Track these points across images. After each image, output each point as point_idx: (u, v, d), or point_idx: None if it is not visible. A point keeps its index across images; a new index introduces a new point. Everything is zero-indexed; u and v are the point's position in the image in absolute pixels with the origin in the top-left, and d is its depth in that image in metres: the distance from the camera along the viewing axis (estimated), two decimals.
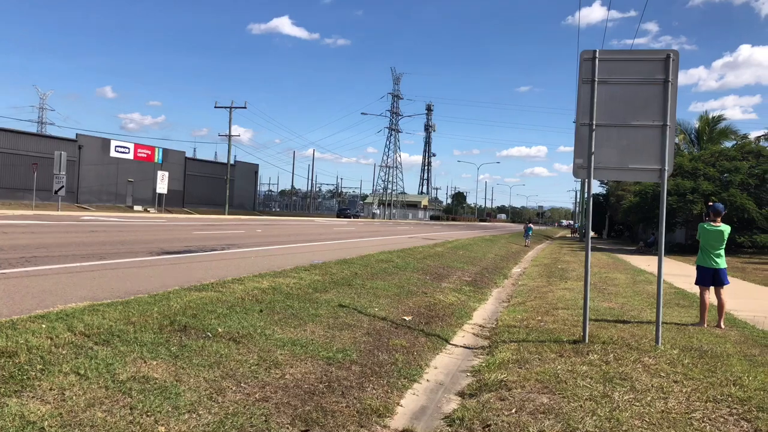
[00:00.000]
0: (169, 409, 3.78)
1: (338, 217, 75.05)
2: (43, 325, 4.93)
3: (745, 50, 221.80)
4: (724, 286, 8.05)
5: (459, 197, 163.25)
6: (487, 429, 4.12)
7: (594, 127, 6.47)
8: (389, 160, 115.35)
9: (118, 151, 50.31)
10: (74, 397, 3.71)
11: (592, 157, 6.48)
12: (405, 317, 7.97)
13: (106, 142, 49.48)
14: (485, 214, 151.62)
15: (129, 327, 5.26)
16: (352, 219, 69.41)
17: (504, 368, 5.66)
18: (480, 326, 8.62)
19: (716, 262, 7.98)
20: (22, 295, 6.73)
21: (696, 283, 8.21)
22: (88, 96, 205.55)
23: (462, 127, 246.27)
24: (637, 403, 4.47)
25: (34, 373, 3.92)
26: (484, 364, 6.03)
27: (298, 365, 5.12)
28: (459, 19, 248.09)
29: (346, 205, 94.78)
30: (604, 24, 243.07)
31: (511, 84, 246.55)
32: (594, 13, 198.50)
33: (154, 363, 4.50)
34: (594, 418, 4.15)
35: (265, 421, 3.93)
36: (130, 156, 51.47)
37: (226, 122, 59.78)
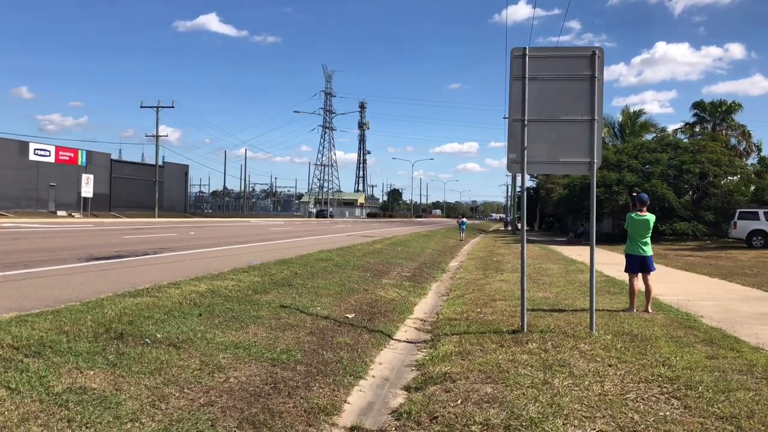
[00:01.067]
0: (110, 419, 3.65)
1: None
2: None
3: (660, 47, 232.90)
4: (651, 273, 8.47)
5: (395, 194, 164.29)
6: (434, 421, 4.18)
7: (526, 122, 6.66)
8: (324, 158, 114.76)
9: (37, 154, 47.94)
10: (6, 413, 3.53)
11: (525, 151, 6.66)
12: (347, 315, 7.98)
13: (24, 145, 47.05)
14: (421, 210, 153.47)
15: (62, 337, 5.04)
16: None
17: (447, 361, 5.75)
18: (422, 320, 8.73)
19: (644, 250, 8.38)
20: None
21: (625, 271, 8.59)
22: (1, 97, 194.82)
23: (396, 125, 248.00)
24: (576, 388, 4.64)
25: None
26: (427, 358, 6.11)
27: (242, 368, 5.04)
28: (390, 17, 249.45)
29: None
30: (530, 22, 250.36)
31: (442, 81, 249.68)
32: (520, 11, 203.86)
33: (92, 373, 4.33)
34: (536, 404, 4.29)
35: (212, 425, 3.85)
36: (51, 159, 49.15)
37: (153, 123, 57.96)
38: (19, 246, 15.15)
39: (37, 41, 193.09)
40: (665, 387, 4.68)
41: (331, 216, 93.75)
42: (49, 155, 49.14)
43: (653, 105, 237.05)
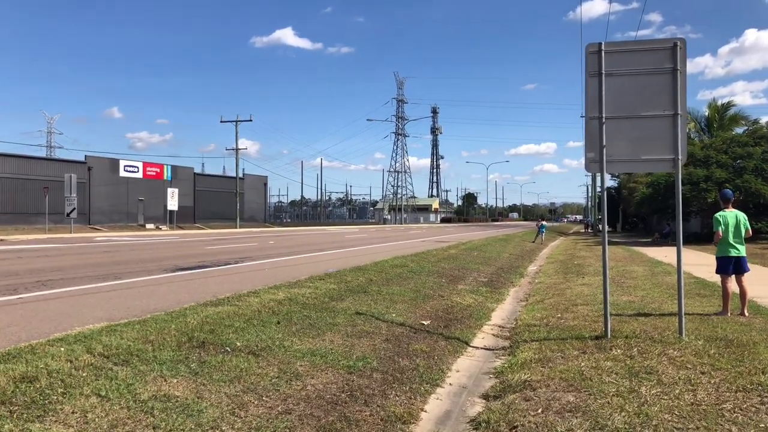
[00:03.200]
0: (192, 426, 3.74)
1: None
2: (62, 348, 4.92)
3: (750, 35, 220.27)
4: (745, 274, 7.93)
5: (470, 198, 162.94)
6: (513, 430, 4.05)
7: (603, 120, 6.40)
8: (397, 164, 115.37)
9: (127, 171, 50.64)
10: (97, 419, 3.68)
11: (604, 150, 6.40)
12: (423, 321, 7.92)
13: (114, 162, 49.84)
14: (497, 214, 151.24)
15: (147, 346, 5.25)
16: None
17: (527, 368, 5.58)
18: (499, 327, 8.54)
19: (737, 250, 7.86)
20: (40, 319, 6.74)
21: (717, 272, 8.09)
22: (95, 118, 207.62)
23: (469, 128, 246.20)
24: (666, 397, 4.38)
25: (55, 397, 3.90)
26: (506, 365, 5.95)
27: (319, 375, 5.07)
28: (460, 21, 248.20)
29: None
30: (606, 17, 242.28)
31: (517, 83, 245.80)
32: (596, 7, 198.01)
33: (175, 381, 4.47)
34: (622, 414, 4.08)
35: None
36: (140, 175, 51.79)
37: (232, 136, 60.46)
38: (111, 258, 16.01)
39: (124, 62, 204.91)
40: (766, 396, 4.34)
41: (405, 222, 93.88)
42: (138, 171, 51.81)
43: (744, 96, 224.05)
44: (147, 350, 5.11)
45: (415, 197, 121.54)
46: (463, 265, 15.89)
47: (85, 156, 47.81)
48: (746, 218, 7.97)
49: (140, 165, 52.27)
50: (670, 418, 3.98)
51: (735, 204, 8.22)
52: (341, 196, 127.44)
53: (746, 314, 7.66)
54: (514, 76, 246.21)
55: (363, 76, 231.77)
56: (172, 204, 50.01)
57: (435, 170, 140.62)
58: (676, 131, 6.26)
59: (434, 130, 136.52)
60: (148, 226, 49.37)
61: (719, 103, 40.86)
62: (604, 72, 6.42)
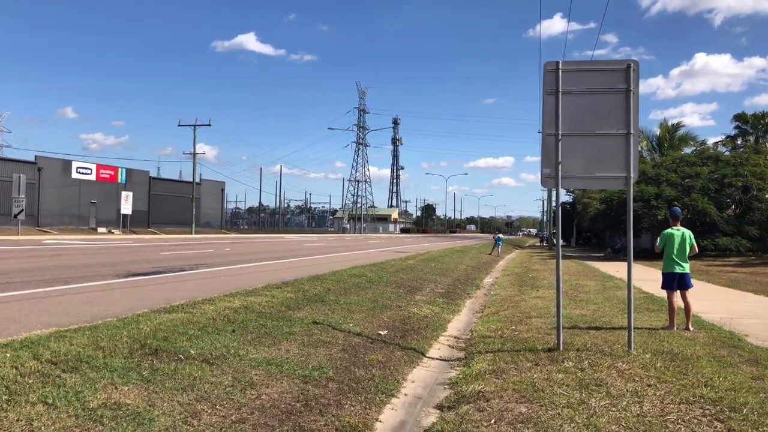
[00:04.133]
0: None
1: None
2: (8, 354, 4.76)
3: (700, 59, 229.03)
4: (689, 290, 8.22)
5: (429, 209, 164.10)
6: None
7: (560, 137, 6.56)
8: (358, 174, 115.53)
9: (79, 173, 49.33)
10: (43, 428, 3.58)
11: (560, 166, 6.57)
12: (380, 332, 7.94)
13: (67, 164, 48.50)
14: (455, 226, 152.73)
15: (98, 352, 5.12)
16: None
17: (481, 379, 5.66)
18: (455, 338, 8.63)
19: (681, 267, 8.14)
20: None
21: (662, 287, 8.36)
22: (47, 118, 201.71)
23: (429, 140, 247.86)
24: (614, 409, 4.51)
25: None
26: (461, 376, 6.02)
27: (274, 385, 5.04)
28: (423, 34, 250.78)
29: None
30: (564, 36, 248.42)
31: (477, 96, 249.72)
32: (555, 26, 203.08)
33: (126, 388, 4.38)
34: (572, 425, 4.18)
35: None
36: (93, 177, 50.51)
37: (190, 140, 59.46)
38: (61, 262, 15.55)
39: (81, 62, 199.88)
40: (708, 409, 4.51)
41: (365, 231, 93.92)
42: (91, 173, 50.52)
43: (693, 117, 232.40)
44: (97, 357, 4.99)
45: (375, 207, 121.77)
46: (420, 275, 15.99)
47: (36, 156, 46.42)
48: (692, 236, 8.27)
49: (93, 167, 50.99)
50: (617, 429, 4.10)
51: (683, 222, 8.53)
52: (300, 203, 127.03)
53: (691, 329, 7.93)
54: (475, 90, 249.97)
55: (325, 84, 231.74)
56: (126, 208, 48.92)
57: (395, 180, 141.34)
58: (628, 150, 6.47)
59: (395, 141, 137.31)
60: (101, 229, 48.12)
61: (670, 123, 42.45)
62: (561, 90, 6.59)
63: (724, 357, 6.25)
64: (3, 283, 10.15)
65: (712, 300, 11.54)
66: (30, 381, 4.26)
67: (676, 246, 8.12)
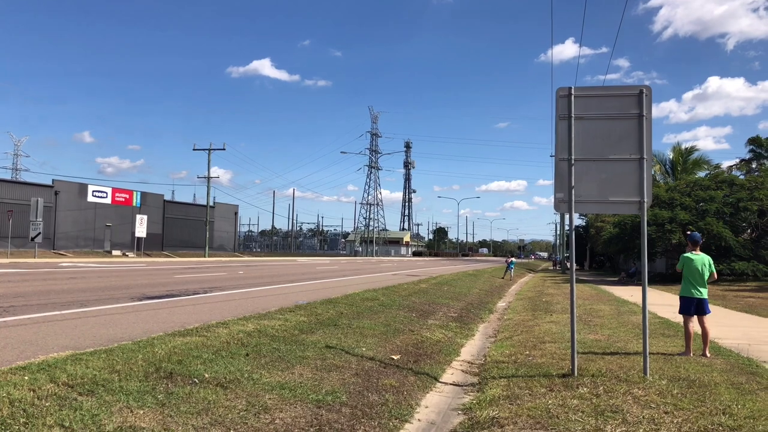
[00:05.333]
0: None
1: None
2: (25, 377, 4.82)
3: (713, 82, 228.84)
4: (707, 315, 8.13)
5: (440, 233, 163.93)
6: None
7: (573, 161, 6.60)
8: (370, 197, 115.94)
9: (95, 196, 49.90)
10: None
11: (573, 191, 6.59)
12: (393, 356, 7.92)
13: (83, 187, 49.09)
14: (467, 249, 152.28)
15: (113, 375, 5.16)
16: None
17: (495, 405, 5.62)
18: (468, 363, 8.58)
19: (699, 292, 8.06)
20: (2, 346, 6.58)
21: (679, 313, 8.28)
22: (65, 142, 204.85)
23: (442, 163, 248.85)
24: None
25: (17, 427, 3.82)
26: (474, 402, 5.98)
27: (288, 409, 5.04)
28: (436, 59, 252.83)
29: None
30: (576, 60, 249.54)
31: (490, 120, 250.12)
32: (567, 50, 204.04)
33: (141, 412, 4.41)
34: None
35: None
36: (108, 200, 51.06)
37: (205, 164, 60.31)
38: (77, 285, 15.68)
39: (98, 87, 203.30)
40: None
41: (376, 254, 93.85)
42: (106, 197, 51.08)
43: (707, 141, 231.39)
44: (113, 380, 5.02)
45: (386, 230, 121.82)
46: (433, 299, 15.94)
47: (53, 180, 47.02)
48: (712, 262, 8.20)
49: (109, 190, 51.57)
50: None
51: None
52: (312, 227, 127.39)
53: (708, 355, 7.83)
54: (487, 114, 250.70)
55: (338, 108, 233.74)
56: (141, 231, 49.30)
57: (407, 204, 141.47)
58: (642, 174, 6.48)
59: (407, 164, 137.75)
60: (115, 252, 48.49)
61: (683, 147, 42.37)
62: (573, 115, 6.64)
63: (742, 384, 6.17)
64: (20, 306, 10.25)
65: (729, 325, 11.40)
66: (47, 404, 4.29)
67: (695, 271, 8.05)
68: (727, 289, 22.65)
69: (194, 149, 57.47)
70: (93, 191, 49.84)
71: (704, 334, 8.05)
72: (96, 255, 44.47)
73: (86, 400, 4.48)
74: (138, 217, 50.04)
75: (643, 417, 4.93)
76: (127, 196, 53.43)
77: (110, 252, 48.54)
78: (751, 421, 4.80)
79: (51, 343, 6.84)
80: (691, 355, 7.86)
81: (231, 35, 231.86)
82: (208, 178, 56.84)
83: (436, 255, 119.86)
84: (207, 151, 56.21)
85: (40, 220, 36.99)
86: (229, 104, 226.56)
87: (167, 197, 61.87)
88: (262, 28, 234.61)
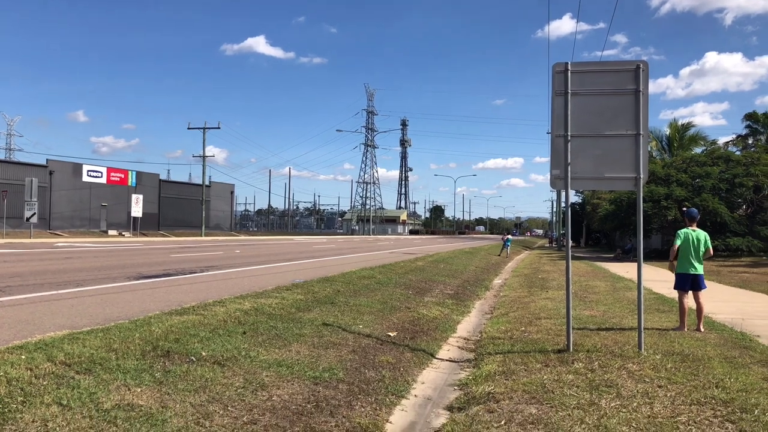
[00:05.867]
0: None
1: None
2: (22, 356, 4.82)
3: (711, 58, 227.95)
4: (702, 290, 8.18)
5: (437, 211, 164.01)
6: None
7: (569, 138, 6.56)
8: (366, 176, 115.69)
9: (90, 176, 49.68)
10: (57, 429, 3.63)
11: (569, 167, 6.56)
12: (390, 333, 7.96)
13: (77, 167, 48.86)
14: (464, 227, 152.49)
15: (111, 354, 5.18)
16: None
17: (491, 380, 5.67)
18: (465, 339, 8.64)
19: (695, 268, 8.09)
20: None
21: (675, 288, 8.31)
22: (58, 121, 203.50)
23: (438, 141, 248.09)
24: (624, 410, 4.51)
25: (15, 406, 3.83)
26: (470, 377, 6.03)
27: (285, 386, 5.07)
28: (432, 36, 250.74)
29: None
30: (573, 36, 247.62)
31: (486, 98, 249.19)
32: (564, 26, 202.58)
33: (139, 390, 4.43)
34: (582, 426, 4.18)
35: None
36: (103, 180, 50.85)
37: (200, 143, 59.88)
38: (73, 265, 15.68)
39: (92, 66, 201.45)
40: (719, 410, 4.50)
41: (373, 233, 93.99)
42: (101, 176, 50.85)
43: (704, 117, 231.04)
44: (110, 359, 5.04)
45: (383, 209, 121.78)
46: (429, 277, 16.00)
47: (47, 159, 46.78)
48: (708, 238, 8.22)
49: (104, 170, 51.33)
50: (627, 430, 4.10)
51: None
52: (309, 206, 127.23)
53: (702, 330, 7.89)
54: (484, 91, 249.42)
55: (334, 86, 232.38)
56: (136, 210, 49.24)
57: (403, 182, 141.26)
58: (638, 151, 6.46)
59: (403, 143, 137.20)
60: (111, 232, 48.43)
61: (680, 123, 42.19)
62: (570, 91, 6.59)
63: (735, 358, 6.23)
64: (17, 286, 10.25)
65: (723, 301, 11.48)
66: (44, 383, 4.31)
67: (692, 246, 8.08)
68: (722, 265, 22.78)
69: (189, 128, 57.22)
70: (88, 171, 49.60)
71: (699, 309, 8.10)
72: (92, 235, 44.42)
73: (84, 379, 4.50)
74: (134, 196, 49.94)
75: (638, 391, 4.98)
76: (123, 176, 53.21)
77: (106, 232, 48.48)
78: (744, 394, 4.85)
79: (48, 322, 6.85)
80: (686, 330, 7.91)
81: (225, 12, 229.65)
82: (204, 157, 56.66)
83: (432, 233, 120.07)
84: (202, 130, 55.95)
85: (35, 200, 36.86)
86: (224, 82, 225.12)
87: (163, 177, 61.72)
88: (256, 5, 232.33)
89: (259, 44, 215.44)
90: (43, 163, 46.43)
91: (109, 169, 51.99)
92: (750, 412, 4.40)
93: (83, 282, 11.20)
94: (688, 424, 4.21)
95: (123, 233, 48.45)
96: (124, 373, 4.74)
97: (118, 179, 52.60)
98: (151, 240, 39.88)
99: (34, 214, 36.80)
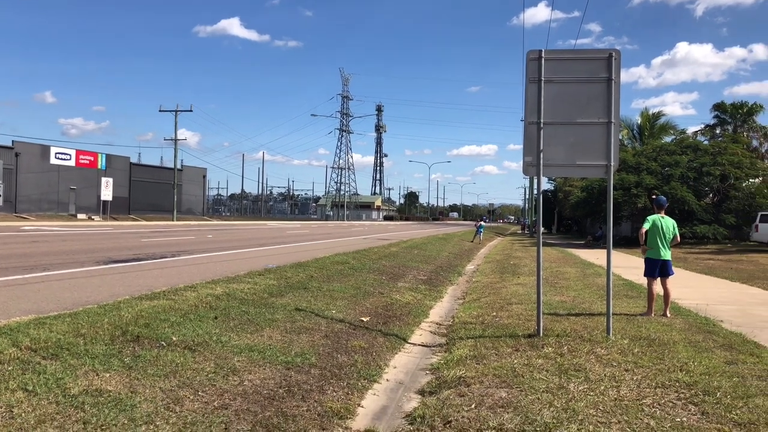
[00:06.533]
0: (125, 422, 3.68)
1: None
2: None
3: (681, 48, 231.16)
4: (670, 277, 8.35)
5: (412, 197, 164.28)
6: (448, 425, 4.16)
7: (542, 125, 6.61)
8: (341, 161, 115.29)
9: (58, 158, 48.60)
10: (23, 414, 3.57)
11: (541, 154, 6.62)
12: (363, 318, 7.98)
13: (45, 149, 47.74)
14: (438, 213, 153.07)
15: (78, 339, 5.10)
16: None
17: (462, 365, 5.72)
18: (437, 324, 8.70)
19: (664, 254, 8.25)
20: None
21: (645, 275, 8.46)
22: (25, 102, 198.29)
23: (413, 127, 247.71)
24: (592, 393, 4.59)
25: None
26: (442, 362, 6.09)
27: (257, 371, 5.06)
28: (407, 22, 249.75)
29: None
30: (548, 24, 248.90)
31: (461, 84, 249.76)
32: (539, 14, 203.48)
33: (107, 375, 4.37)
34: (551, 409, 4.25)
35: (225, 428, 3.87)
36: (72, 163, 49.79)
37: (172, 126, 58.68)
38: (39, 249, 15.37)
39: (60, 46, 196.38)
40: (682, 392, 4.61)
41: (348, 219, 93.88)
42: (70, 159, 49.79)
43: (674, 107, 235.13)
44: (78, 344, 4.96)
45: (358, 194, 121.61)
46: (403, 262, 16.05)
47: (13, 141, 45.54)
48: (676, 225, 8.40)
49: (73, 153, 50.25)
50: (594, 413, 4.18)
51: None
52: (283, 191, 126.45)
53: (668, 315, 8.07)
54: (459, 77, 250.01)
55: (309, 70, 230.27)
56: (106, 194, 48.39)
57: (378, 168, 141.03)
58: (609, 138, 6.53)
59: (378, 128, 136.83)
60: (80, 216, 47.53)
61: (651, 112, 42.83)
62: (543, 79, 6.63)
63: (699, 342, 6.38)
64: None
65: (689, 287, 11.75)
66: (9, 368, 4.23)
67: (661, 233, 8.23)
68: (688, 252, 23.27)
69: (161, 110, 56.27)
70: (56, 153, 48.51)
71: (666, 295, 8.27)
72: (60, 219, 43.53)
73: (50, 364, 4.42)
74: (103, 180, 49.04)
75: (605, 375, 5.08)
76: (92, 159, 52.15)
77: (75, 215, 47.55)
78: (707, 377, 4.98)
79: (12, 307, 6.71)
80: (653, 315, 8.08)
81: None
82: (175, 140, 55.80)
83: (407, 219, 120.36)
84: (174, 113, 55.06)
85: (1, 182, 35.96)
86: (197, 65, 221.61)
87: (134, 160, 60.64)
88: None
89: (233, 26, 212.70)
90: (9, 144, 45.24)
91: (78, 152, 50.93)
92: (712, 395, 4.52)
93: (50, 266, 10.99)
94: (653, 407, 4.30)
95: (92, 217, 47.59)
96: (92, 358, 4.68)
97: (88, 162, 51.55)
98: (122, 224, 39.27)
99: (0, 196, 35.91)
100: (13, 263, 11.38)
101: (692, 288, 11.62)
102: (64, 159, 49.21)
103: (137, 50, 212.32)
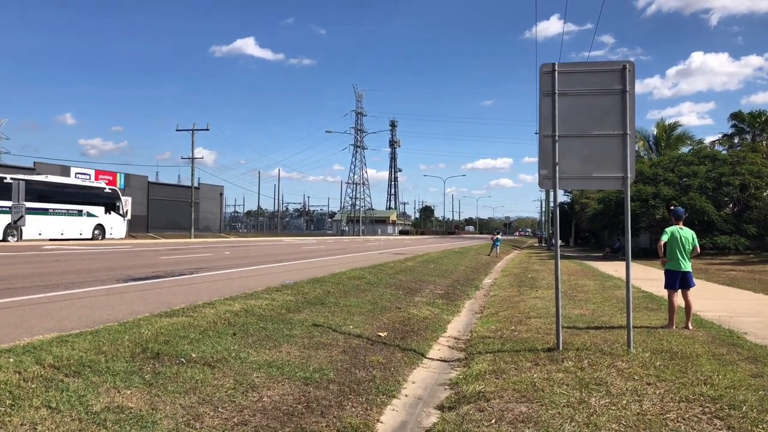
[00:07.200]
0: None
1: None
2: (10, 359, 4.79)
3: (697, 58, 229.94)
4: (691, 288, 8.25)
5: (427, 211, 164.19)
6: None
7: (556, 138, 6.60)
8: (356, 176, 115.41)
9: (78, 178, 49.24)
10: (47, 431, 3.61)
11: (557, 167, 6.60)
12: (380, 333, 7.97)
13: (65, 169, 48.44)
14: (453, 227, 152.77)
15: (100, 357, 5.14)
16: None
17: (481, 379, 5.69)
18: (455, 338, 8.66)
19: (684, 265, 8.16)
20: None
21: (665, 287, 8.37)
22: (47, 124, 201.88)
23: (427, 142, 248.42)
24: (613, 407, 4.54)
25: (3, 409, 3.80)
26: (461, 377, 6.05)
27: (276, 387, 5.07)
28: (420, 37, 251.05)
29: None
30: (561, 37, 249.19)
31: (475, 98, 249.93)
32: (552, 27, 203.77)
33: (128, 392, 4.41)
34: (572, 424, 4.21)
35: None
36: (91, 183, 50.40)
37: (189, 145, 59.73)
38: (61, 268, 15.56)
39: (80, 69, 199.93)
40: (707, 407, 4.54)
41: (363, 234, 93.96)
42: (89, 179, 50.44)
43: (691, 117, 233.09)
44: (99, 361, 5.01)
45: (373, 209, 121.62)
46: (419, 277, 16.02)
47: (34, 162, 46.32)
48: (695, 236, 8.32)
49: (92, 173, 50.93)
50: (617, 428, 4.13)
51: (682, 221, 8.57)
52: (299, 207, 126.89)
53: (690, 327, 7.96)
54: (473, 91, 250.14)
55: (323, 88, 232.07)
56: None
57: (393, 183, 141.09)
58: (625, 150, 6.51)
59: (392, 143, 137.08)
60: None
61: (667, 123, 42.58)
62: (557, 92, 6.64)
63: (723, 355, 6.29)
64: (4, 289, 10.16)
65: (711, 298, 11.58)
66: (33, 386, 4.28)
67: (680, 244, 8.15)
68: (709, 263, 22.96)
69: (178, 130, 56.92)
70: (76, 173, 49.16)
71: (687, 307, 8.17)
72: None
73: (73, 382, 4.47)
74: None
75: (627, 389, 5.02)
76: (111, 178, 52.81)
77: None
78: (732, 391, 4.90)
79: (36, 325, 6.80)
80: (674, 328, 7.98)
81: (213, 14, 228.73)
82: (192, 158, 56.36)
83: (422, 233, 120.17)
84: (191, 132, 55.68)
85: (23, 203, 36.48)
86: (213, 84, 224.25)
87: (151, 179, 61.34)
88: (245, 6, 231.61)
89: (249, 46, 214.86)
90: (31, 166, 45.98)
91: (98, 172, 51.61)
92: (738, 409, 4.44)
93: (71, 285, 11.12)
94: (677, 421, 4.24)
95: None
96: (113, 375, 4.72)
97: (107, 182, 52.16)
98: (140, 242, 39.64)
99: (22, 217, 36.41)
100: (36, 282, 11.53)
101: (714, 300, 11.46)
102: (84, 179, 49.85)
103: (155, 70, 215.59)
